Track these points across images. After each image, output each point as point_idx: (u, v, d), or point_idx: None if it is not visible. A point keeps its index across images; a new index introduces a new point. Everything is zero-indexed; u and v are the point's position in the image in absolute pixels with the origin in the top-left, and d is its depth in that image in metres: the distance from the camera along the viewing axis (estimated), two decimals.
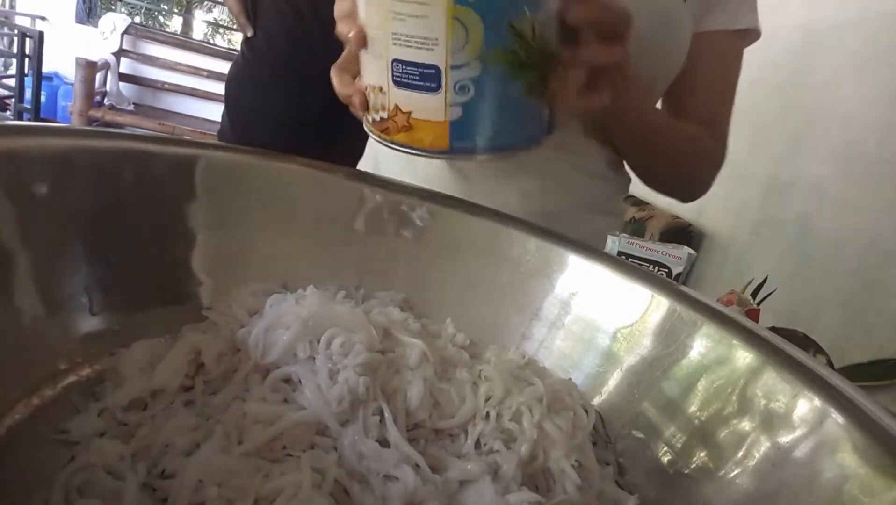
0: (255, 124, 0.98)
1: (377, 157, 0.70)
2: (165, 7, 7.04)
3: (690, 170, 0.63)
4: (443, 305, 0.41)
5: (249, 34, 0.96)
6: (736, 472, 0.27)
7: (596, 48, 0.35)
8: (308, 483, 0.24)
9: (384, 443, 0.28)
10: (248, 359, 0.31)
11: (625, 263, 0.43)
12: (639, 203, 2.10)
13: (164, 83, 3.74)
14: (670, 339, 0.34)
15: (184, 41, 3.95)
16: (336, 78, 0.39)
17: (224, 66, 3.76)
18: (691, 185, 0.66)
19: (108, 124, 3.16)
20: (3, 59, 3.78)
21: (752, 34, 0.64)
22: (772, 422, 0.27)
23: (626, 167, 0.68)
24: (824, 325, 1.39)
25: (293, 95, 0.96)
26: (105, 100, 3.50)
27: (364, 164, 0.73)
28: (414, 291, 0.42)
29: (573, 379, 0.37)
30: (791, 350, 0.30)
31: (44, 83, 3.19)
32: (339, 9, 0.47)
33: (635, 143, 0.59)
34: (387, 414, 0.28)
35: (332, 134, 0.99)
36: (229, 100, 1.03)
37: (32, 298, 0.28)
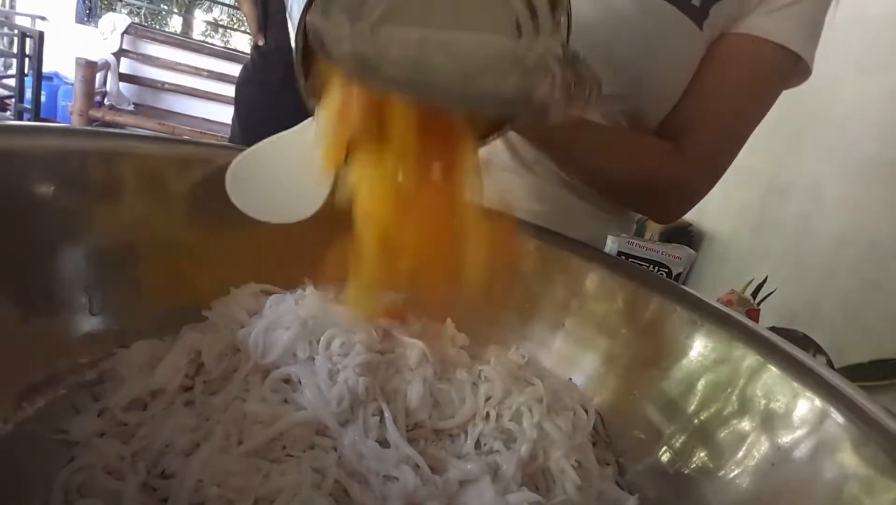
0: (264, 127, 1.00)
1: None
2: (165, 7, 7.05)
3: (634, 188, 0.54)
4: (443, 305, 0.41)
5: (261, 43, 1.00)
6: (736, 472, 0.27)
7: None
8: (308, 483, 0.24)
9: (384, 443, 0.28)
10: (247, 359, 0.31)
11: (625, 263, 0.43)
12: None
13: (164, 83, 3.74)
14: (670, 339, 0.34)
15: (184, 41, 3.95)
16: None
17: (224, 66, 3.77)
18: (644, 204, 0.58)
19: (108, 124, 3.16)
20: (3, 59, 3.78)
21: (798, 67, 0.50)
22: (772, 422, 0.27)
23: None
24: (824, 325, 1.39)
25: (301, 99, 0.98)
26: (105, 100, 3.50)
27: None
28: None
29: (573, 379, 0.37)
30: (791, 350, 0.30)
31: (44, 83, 3.19)
32: None
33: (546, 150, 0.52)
34: (387, 414, 0.28)
35: None
36: (239, 103, 1.06)
37: (32, 299, 0.28)
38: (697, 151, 0.52)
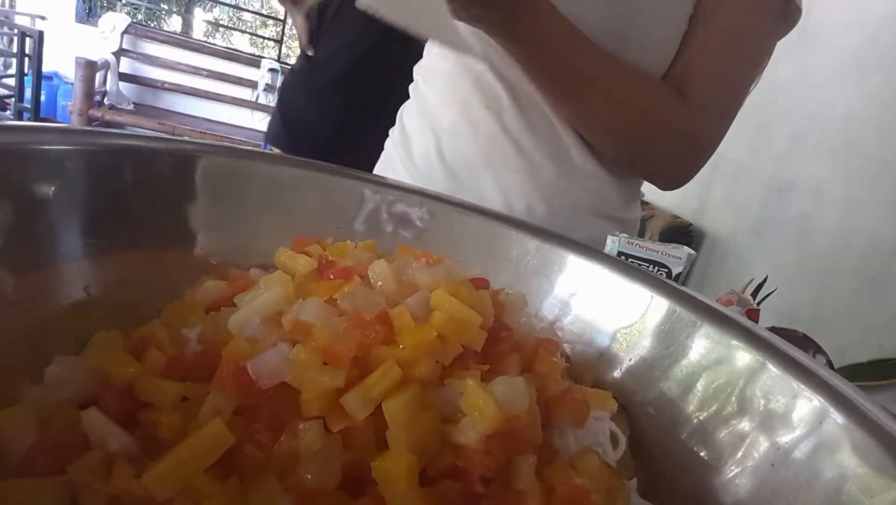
0: (308, 128, 1.09)
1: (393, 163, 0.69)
2: (165, 6, 7.05)
3: (629, 124, 0.51)
4: None
5: (310, 53, 1.07)
6: (735, 472, 0.27)
7: None
8: None
9: None
10: None
11: (624, 264, 0.43)
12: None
13: (163, 83, 3.75)
14: (670, 339, 0.34)
15: (184, 41, 3.96)
16: None
17: (224, 66, 3.78)
18: (635, 150, 0.55)
19: (108, 124, 3.16)
20: (3, 59, 3.78)
21: (789, 7, 0.50)
22: (771, 422, 0.27)
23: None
24: (824, 325, 1.39)
25: (347, 102, 1.08)
26: (105, 99, 3.50)
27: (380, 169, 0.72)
28: None
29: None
30: (791, 350, 0.30)
31: (44, 83, 3.20)
32: None
33: (530, 65, 0.49)
34: None
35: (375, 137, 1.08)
36: (285, 106, 1.16)
37: (32, 300, 0.28)
38: (703, 102, 0.51)
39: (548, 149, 0.58)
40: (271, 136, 1.14)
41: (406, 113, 0.69)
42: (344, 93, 1.06)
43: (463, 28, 0.54)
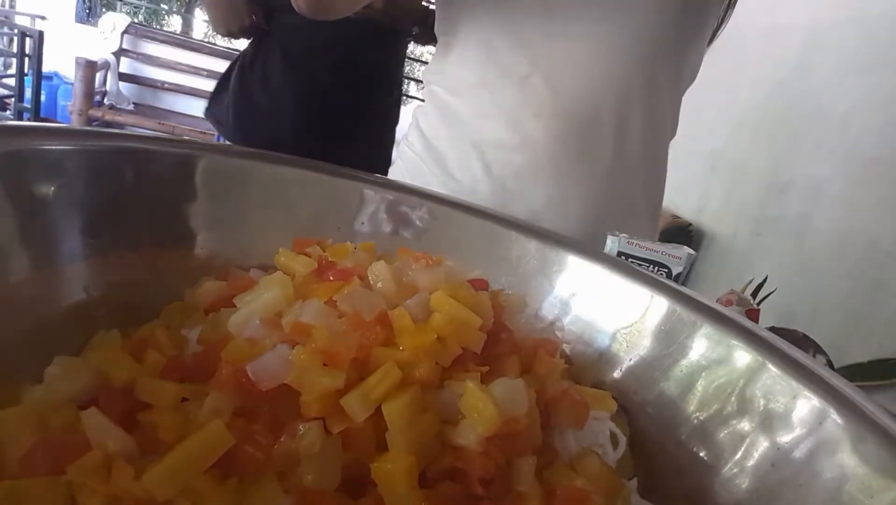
0: (263, 121, 1.05)
1: (411, 173, 0.67)
2: (165, 6, 7.05)
3: None
4: None
5: (265, 27, 1.05)
6: (735, 472, 0.27)
7: None
8: None
9: None
10: None
11: (624, 264, 0.43)
12: None
13: (164, 83, 3.74)
14: (670, 339, 0.34)
15: (184, 41, 3.95)
16: None
17: (224, 66, 3.76)
18: None
19: (108, 124, 3.16)
20: (3, 59, 3.78)
21: None
22: (771, 422, 0.27)
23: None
24: (824, 325, 1.39)
25: (301, 93, 1.05)
26: (105, 99, 3.50)
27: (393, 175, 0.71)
28: None
29: None
30: (791, 350, 0.30)
31: (44, 83, 3.19)
32: None
33: None
34: None
35: (337, 138, 1.05)
36: (237, 98, 1.10)
37: (32, 300, 0.28)
38: None
39: (602, 146, 0.58)
40: (223, 125, 1.12)
41: (425, 124, 0.66)
42: (293, 83, 1.05)
43: (508, 36, 0.55)
